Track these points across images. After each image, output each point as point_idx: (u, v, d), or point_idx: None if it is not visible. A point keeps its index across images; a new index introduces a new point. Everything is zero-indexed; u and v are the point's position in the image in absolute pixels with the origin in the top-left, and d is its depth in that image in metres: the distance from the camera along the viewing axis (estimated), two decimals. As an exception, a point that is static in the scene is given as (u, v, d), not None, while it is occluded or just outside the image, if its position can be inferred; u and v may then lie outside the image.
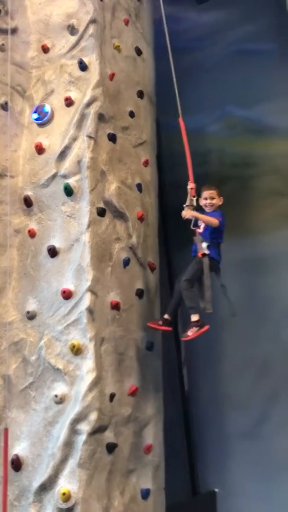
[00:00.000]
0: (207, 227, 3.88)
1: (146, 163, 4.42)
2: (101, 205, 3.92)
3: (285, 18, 4.80)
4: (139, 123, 4.42)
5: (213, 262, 3.83)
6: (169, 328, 3.83)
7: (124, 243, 4.04)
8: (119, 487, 3.64)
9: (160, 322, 3.89)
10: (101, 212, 3.89)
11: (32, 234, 3.97)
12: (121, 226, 4.05)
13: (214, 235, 3.91)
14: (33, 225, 3.99)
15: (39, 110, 4.14)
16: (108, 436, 3.60)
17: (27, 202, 4.02)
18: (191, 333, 3.65)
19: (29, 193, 4.04)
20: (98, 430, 3.52)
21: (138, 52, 4.54)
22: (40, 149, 4.05)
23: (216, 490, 4.84)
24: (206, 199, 4.02)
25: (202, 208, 4.03)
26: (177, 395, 5.15)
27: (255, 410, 4.85)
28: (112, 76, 4.19)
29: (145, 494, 3.81)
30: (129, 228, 4.09)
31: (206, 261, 3.77)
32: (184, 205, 3.92)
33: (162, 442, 4.08)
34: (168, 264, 5.24)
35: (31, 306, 3.85)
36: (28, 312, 3.84)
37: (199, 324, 3.65)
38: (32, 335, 3.81)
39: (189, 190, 3.93)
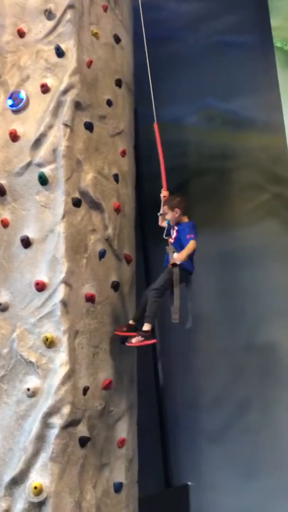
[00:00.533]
0: (178, 237, 3.80)
1: (123, 153, 4.35)
2: (77, 195, 3.84)
3: (265, 10, 4.77)
4: (117, 112, 4.34)
5: (184, 272, 3.73)
6: (134, 333, 3.72)
7: (99, 235, 3.97)
8: (91, 480, 3.61)
9: (125, 328, 3.81)
10: (76, 203, 3.82)
11: (5, 224, 3.88)
12: (97, 217, 3.98)
13: (185, 245, 3.77)
14: (6, 215, 3.89)
15: (14, 96, 4.03)
16: (81, 430, 3.55)
17: (0, 191, 3.92)
18: (135, 341, 3.62)
19: (2, 181, 3.93)
20: (70, 423, 3.48)
21: (117, 39, 4.45)
22: (14, 137, 3.94)
23: (189, 483, 4.86)
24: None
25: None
26: (151, 389, 5.14)
27: (230, 404, 4.87)
28: (89, 64, 4.10)
29: (118, 487, 3.79)
30: (105, 219, 4.03)
31: (176, 271, 3.68)
32: (159, 214, 3.90)
33: (135, 435, 4.06)
34: (145, 257, 5.20)
35: (4, 298, 3.77)
36: (0, 304, 3.75)
37: (147, 335, 3.62)
38: (4, 327, 3.73)
39: (162, 199, 3.89)
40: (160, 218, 3.93)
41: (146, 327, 3.65)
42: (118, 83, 4.40)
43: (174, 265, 3.72)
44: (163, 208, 3.86)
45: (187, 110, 5.52)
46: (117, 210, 4.15)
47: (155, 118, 4.12)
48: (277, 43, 4.50)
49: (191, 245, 3.71)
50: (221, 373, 4.96)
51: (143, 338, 3.61)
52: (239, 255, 5.12)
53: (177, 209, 3.81)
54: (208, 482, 4.85)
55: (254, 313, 4.95)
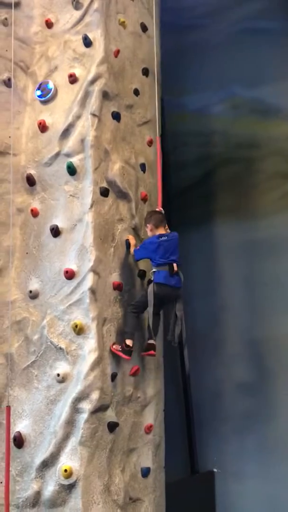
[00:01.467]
0: None
1: (150, 143, 4.36)
2: (104, 184, 3.88)
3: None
4: (144, 102, 4.35)
5: (161, 287, 3.65)
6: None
7: (127, 224, 4.01)
8: (120, 465, 3.68)
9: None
10: (104, 192, 3.85)
11: (35, 213, 3.94)
12: (124, 206, 4.02)
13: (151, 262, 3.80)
14: (36, 204, 3.95)
15: (42, 87, 4.07)
16: (110, 415, 3.62)
17: (30, 181, 3.98)
18: (115, 347, 3.66)
19: (32, 171, 3.99)
20: (99, 409, 3.54)
21: (144, 28, 4.45)
22: (43, 127, 3.99)
23: (215, 470, 4.91)
24: None
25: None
26: (178, 376, 5.19)
27: (255, 392, 4.89)
28: (117, 53, 4.10)
29: (146, 472, 3.86)
30: (132, 209, 4.06)
31: (150, 287, 3.66)
32: None
33: (162, 422, 4.11)
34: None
35: (34, 285, 3.84)
36: (30, 292, 3.83)
37: (128, 349, 3.64)
38: (34, 314, 3.81)
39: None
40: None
41: (128, 342, 3.66)
42: (145, 72, 4.40)
43: (149, 281, 3.72)
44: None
45: (213, 99, 5.51)
46: (144, 199, 4.18)
47: (157, 132, 4.14)
48: (306, 29, 4.43)
49: (131, 251, 3.79)
50: (247, 360, 4.98)
51: (120, 349, 3.64)
52: (265, 244, 5.11)
53: (148, 225, 3.85)
54: (233, 469, 4.90)
55: (279, 303, 4.94)
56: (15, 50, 3.99)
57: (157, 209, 3.97)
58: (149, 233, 3.86)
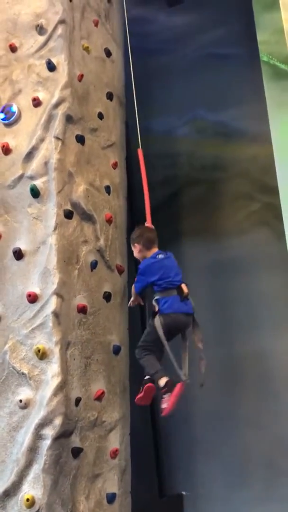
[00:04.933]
0: None
1: (115, 165, 4.40)
2: (69, 207, 3.88)
3: (252, 24, 4.86)
4: (108, 125, 4.40)
5: (171, 317, 3.07)
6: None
7: (91, 246, 4.01)
8: (84, 491, 3.62)
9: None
10: (68, 214, 3.86)
11: (-3, 236, 3.91)
12: (89, 228, 4.02)
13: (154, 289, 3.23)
14: (-2, 227, 3.93)
15: (6, 109, 4.08)
16: (74, 440, 3.57)
17: (-7, 203, 3.96)
18: (166, 404, 2.98)
19: (-6, 194, 3.97)
20: (63, 434, 3.49)
21: (108, 53, 4.52)
22: (6, 150, 3.99)
23: (184, 493, 4.86)
24: None
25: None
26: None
27: (223, 412, 4.89)
28: (81, 77, 4.16)
29: (111, 498, 3.79)
30: (97, 231, 4.06)
31: (156, 321, 3.05)
32: None
33: (128, 445, 4.07)
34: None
35: (-4, 309, 3.79)
36: (-8, 316, 3.77)
37: (169, 386, 3.00)
38: (-4, 339, 3.75)
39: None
40: None
41: (162, 381, 3.05)
42: (109, 96, 4.46)
43: (154, 313, 3.11)
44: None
45: (178, 122, 5.59)
46: (109, 221, 4.19)
47: (139, 144, 4.05)
48: (264, 57, 4.58)
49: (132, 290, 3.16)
50: (214, 381, 4.97)
51: (168, 394, 3.00)
52: (230, 264, 5.16)
53: (136, 244, 3.34)
54: (202, 492, 4.85)
55: (246, 321, 4.98)
56: (-22, 73, 4.00)
57: (147, 226, 3.42)
58: (137, 255, 3.35)
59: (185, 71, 5.60)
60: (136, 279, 3.31)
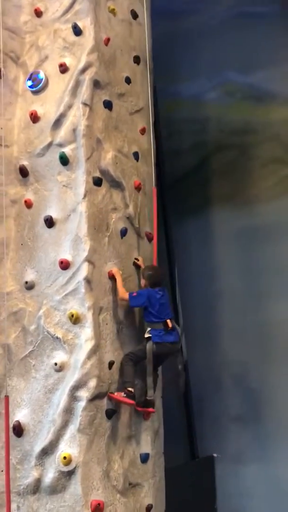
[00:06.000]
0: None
1: (143, 131, 4.35)
2: (97, 174, 3.88)
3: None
4: (136, 90, 4.33)
5: (159, 346, 3.71)
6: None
7: (121, 213, 4.01)
8: (119, 451, 3.73)
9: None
10: (97, 182, 3.86)
11: (28, 204, 3.95)
12: (118, 195, 4.02)
13: (145, 314, 3.82)
14: (29, 196, 3.96)
15: (33, 77, 4.06)
16: (107, 402, 3.66)
17: (23, 172, 3.98)
18: (117, 394, 3.65)
19: (24, 162, 3.99)
20: (97, 396, 3.58)
21: (134, 15, 4.41)
22: (34, 118, 3.99)
23: (214, 455, 4.96)
24: None
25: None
26: (175, 363, 5.22)
27: (254, 376, 4.92)
28: (107, 41, 4.08)
29: (145, 458, 3.90)
30: (126, 198, 4.06)
31: (148, 346, 3.70)
32: None
33: (161, 408, 4.15)
34: (166, 234, 5.24)
35: (30, 276, 3.86)
36: (26, 283, 3.85)
37: (132, 394, 3.64)
38: (31, 305, 3.83)
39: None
40: None
41: (129, 389, 3.66)
42: (136, 60, 4.38)
43: (147, 339, 3.72)
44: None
45: (207, 85, 5.48)
46: (138, 188, 4.18)
47: (153, 182, 4.18)
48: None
49: (121, 292, 3.73)
50: (245, 346, 5.00)
51: (124, 395, 3.64)
52: (261, 231, 5.12)
53: (143, 280, 3.86)
54: (233, 453, 4.94)
55: (276, 289, 4.95)
56: (4, 41, 3.98)
57: (155, 266, 3.99)
58: (142, 285, 3.88)
59: (214, 32, 5.44)
60: (135, 294, 3.79)
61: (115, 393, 3.66)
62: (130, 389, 3.65)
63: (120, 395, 3.65)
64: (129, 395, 3.64)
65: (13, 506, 3.52)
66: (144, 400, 3.76)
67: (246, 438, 4.92)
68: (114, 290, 3.83)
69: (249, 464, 4.88)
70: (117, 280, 3.77)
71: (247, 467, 4.88)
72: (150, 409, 3.80)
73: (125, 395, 3.63)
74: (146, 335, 3.75)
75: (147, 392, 3.73)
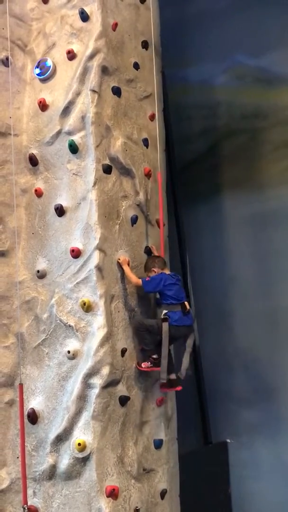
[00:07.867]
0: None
1: (152, 117, 4.31)
2: (107, 161, 3.86)
3: None
4: (144, 75, 4.28)
5: (177, 328, 3.71)
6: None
7: (131, 201, 4.00)
8: (132, 437, 3.76)
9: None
10: (107, 169, 3.84)
11: (39, 193, 3.95)
12: (128, 183, 4.00)
13: (162, 298, 3.80)
14: (39, 184, 3.96)
15: (41, 64, 4.03)
16: (121, 389, 3.69)
17: (33, 160, 3.98)
18: (144, 366, 3.72)
19: (34, 151, 3.98)
20: (110, 383, 3.61)
21: (142, -1, 4.35)
22: (43, 106, 3.97)
23: (228, 440, 4.98)
24: None
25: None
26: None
27: (266, 361, 4.92)
28: (115, 26, 4.03)
29: (158, 444, 3.93)
30: (136, 185, 4.04)
31: (164, 327, 3.67)
32: None
33: (173, 394, 4.17)
34: (177, 220, 5.21)
35: (41, 265, 3.88)
36: (38, 271, 3.87)
37: (156, 362, 3.69)
38: (43, 293, 3.85)
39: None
40: None
41: (153, 356, 3.71)
42: (145, 45, 4.32)
43: (164, 319, 3.70)
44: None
45: (216, 69, 5.39)
46: (148, 175, 4.15)
47: (159, 167, 4.10)
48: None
49: (134, 279, 3.73)
50: (257, 331, 4.99)
51: (151, 365, 3.72)
52: (272, 216, 5.07)
53: (153, 269, 3.82)
54: (246, 439, 4.96)
55: (286, 273, 4.92)
56: (12, 28, 3.94)
57: (159, 256, 3.97)
58: (155, 273, 3.84)
59: (223, 14, 5.34)
60: (149, 278, 3.76)
61: (142, 365, 3.72)
62: (154, 356, 3.70)
63: (147, 365, 3.71)
64: (155, 362, 3.70)
65: (29, 491, 3.57)
66: (168, 381, 3.76)
67: (259, 422, 4.93)
68: (126, 277, 3.84)
69: (262, 448, 4.89)
70: (124, 269, 3.76)
71: (260, 452, 4.90)
72: (178, 388, 3.82)
73: (151, 364, 3.70)
74: (163, 316, 3.73)
75: (170, 371, 3.74)
